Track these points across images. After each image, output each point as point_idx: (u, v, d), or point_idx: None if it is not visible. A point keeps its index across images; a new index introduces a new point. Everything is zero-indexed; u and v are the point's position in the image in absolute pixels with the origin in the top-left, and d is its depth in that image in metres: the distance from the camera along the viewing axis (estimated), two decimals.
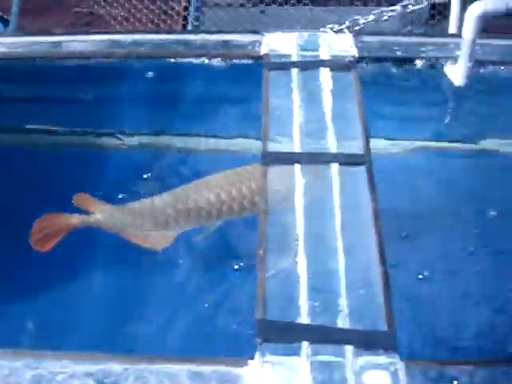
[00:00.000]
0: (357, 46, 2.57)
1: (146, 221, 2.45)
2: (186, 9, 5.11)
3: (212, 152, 3.09)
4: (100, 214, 2.44)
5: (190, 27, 4.87)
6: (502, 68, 2.65)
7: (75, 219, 2.44)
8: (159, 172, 2.86)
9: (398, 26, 4.85)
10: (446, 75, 2.62)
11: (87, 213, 2.48)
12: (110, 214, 2.46)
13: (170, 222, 2.45)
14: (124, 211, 2.48)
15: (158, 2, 5.10)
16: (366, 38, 2.63)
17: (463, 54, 2.51)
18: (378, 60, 2.56)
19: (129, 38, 2.75)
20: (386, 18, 3.19)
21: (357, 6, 4.91)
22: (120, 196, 2.67)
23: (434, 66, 2.63)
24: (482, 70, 2.64)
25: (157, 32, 4.20)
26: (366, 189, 2.08)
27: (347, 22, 3.19)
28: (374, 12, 3.16)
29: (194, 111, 3.00)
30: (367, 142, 2.22)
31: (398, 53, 2.59)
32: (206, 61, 2.63)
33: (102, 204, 2.48)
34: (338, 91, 2.37)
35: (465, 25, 2.44)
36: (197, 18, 5.00)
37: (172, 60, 2.66)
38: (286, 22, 4.80)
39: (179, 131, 3.08)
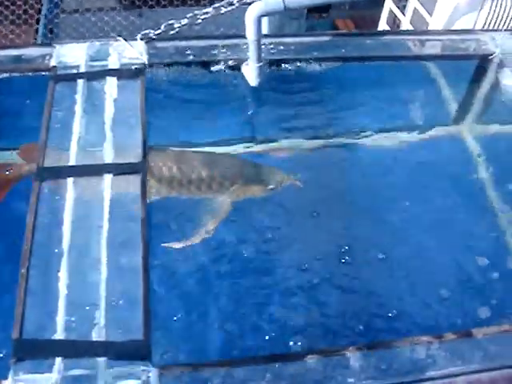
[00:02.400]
0: (149, 53, 2.56)
1: None
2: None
3: None
4: None
5: (40, 35, 4.74)
6: (298, 65, 2.71)
7: (24, 168, 2.39)
8: None
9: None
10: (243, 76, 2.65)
11: None
12: None
13: None
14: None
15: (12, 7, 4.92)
16: (160, 44, 2.62)
17: (251, 54, 2.55)
18: (170, 65, 2.56)
19: None
20: (199, 20, 3.20)
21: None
22: None
23: (232, 67, 2.65)
24: (277, 68, 2.69)
25: None
26: (138, 197, 2.08)
27: (162, 27, 3.19)
28: (188, 15, 3.16)
29: None
30: (145, 150, 2.22)
31: (191, 57, 2.60)
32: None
33: None
34: (122, 100, 2.37)
35: (246, 26, 2.47)
36: (50, 23, 4.87)
37: None
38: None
39: None
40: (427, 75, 2.97)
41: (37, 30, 4.85)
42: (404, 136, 2.89)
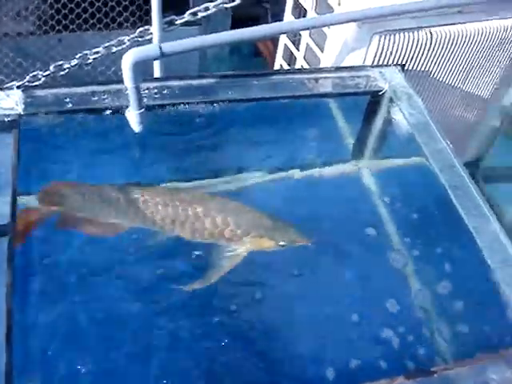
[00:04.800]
0: (25, 103, 2.49)
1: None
2: None
3: None
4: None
5: None
6: (185, 107, 2.67)
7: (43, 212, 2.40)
8: None
9: None
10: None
11: None
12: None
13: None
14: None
15: None
16: (38, 92, 2.54)
17: (131, 102, 2.49)
18: (48, 114, 2.49)
19: None
20: (90, 60, 3.14)
21: None
22: None
23: (114, 113, 2.59)
24: (160, 112, 2.65)
25: None
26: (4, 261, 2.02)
27: (51, 67, 3.12)
28: (77, 56, 3.10)
29: None
30: (13, 211, 2.15)
31: (69, 105, 2.53)
32: None
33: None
34: None
35: (123, 74, 2.41)
36: None
37: None
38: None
39: None
40: (319, 113, 2.96)
41: None
42: (298, 174, 2.86)
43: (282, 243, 2.39)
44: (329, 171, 2.88)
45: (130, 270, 2.41)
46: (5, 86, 2.61)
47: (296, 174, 2.88)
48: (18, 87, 2.55)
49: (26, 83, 2.90)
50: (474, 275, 2.45)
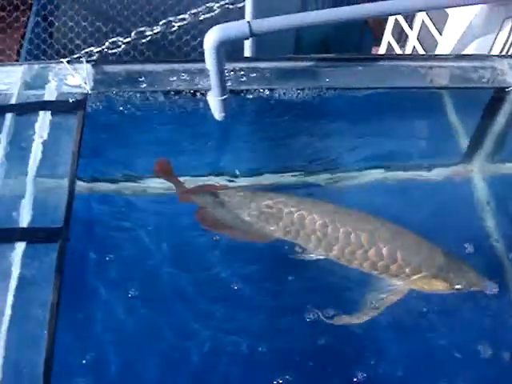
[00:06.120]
0: (94, 80, 2.19)
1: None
2: None
3: None
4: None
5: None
6: (274, 94, 2.31)
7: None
8: None
9: None
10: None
11: None
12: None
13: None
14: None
15: None
16: (109, 68, 2.24)
17: (212, 86, 2.15)
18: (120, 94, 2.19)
19: None
20: (175, 28, 2.79)
21: None
22: None
23: (195, 95, 2.27)
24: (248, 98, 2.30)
25: None
26: (52, 269, 1.76)
27: (133, 34, 2.80)
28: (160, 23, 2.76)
29: None
30: (68, 214, 1.87)
31: (144, 85, 2.22)
32: None
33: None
34: (53, 142, 2.02)
35: (206, 55, 2.07)
36: None
37: None
38: None
39: None
40: (431, 107, 2.52)
41: None
42: (410, 174, 2.47)
43: (458, 287, 2.00)
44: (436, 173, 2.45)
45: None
46: (74, 57, 2.31)
47: (399, 174, 2.48)
48: (88, 61, 2.24)
49: (104, 51, 2.57)
50: None
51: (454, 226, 2.33)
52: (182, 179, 2.24)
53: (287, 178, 2.45)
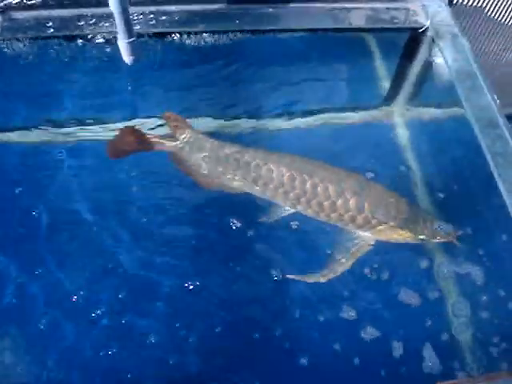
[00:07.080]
0: (2, 27, 2.17)
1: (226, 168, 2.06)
2: None
3: None
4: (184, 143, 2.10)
5: None
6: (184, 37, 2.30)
7: (155, 141, 2.10)
8: None
9: None
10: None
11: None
12: (195, 145, 2.10)
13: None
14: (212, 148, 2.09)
15: None
16: (18, 15, 2.22)
17: (118, 29, 2.14)
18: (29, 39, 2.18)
19: None
20: None
21: None
22: None
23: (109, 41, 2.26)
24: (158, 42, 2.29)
25: None
26: None
27: None
28: None
29: None
30: None
31: (51, 30, 2.20)
32: None
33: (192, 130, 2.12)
34: None
35: None
36: None
37: None
38: None
39: None
40: (343, 51, 2.53)
41: None
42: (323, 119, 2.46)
43: (421, 237, 2.01)
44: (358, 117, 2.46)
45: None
46: None
47: (320, 119, 2.48)
48: None
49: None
50: None
51: (378, 167, 2.33)
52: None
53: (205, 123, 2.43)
